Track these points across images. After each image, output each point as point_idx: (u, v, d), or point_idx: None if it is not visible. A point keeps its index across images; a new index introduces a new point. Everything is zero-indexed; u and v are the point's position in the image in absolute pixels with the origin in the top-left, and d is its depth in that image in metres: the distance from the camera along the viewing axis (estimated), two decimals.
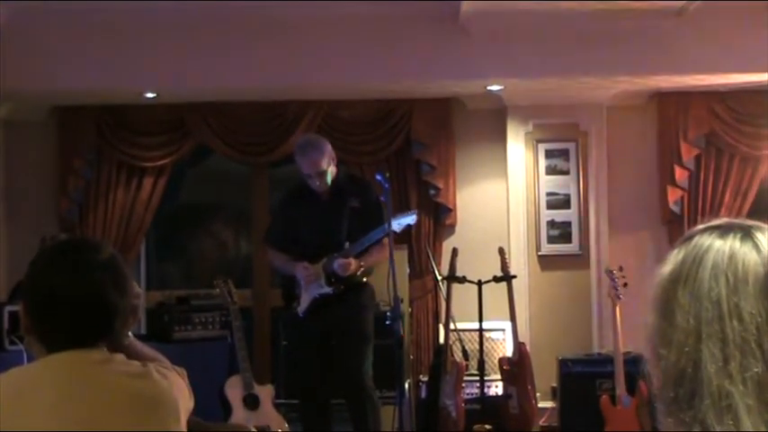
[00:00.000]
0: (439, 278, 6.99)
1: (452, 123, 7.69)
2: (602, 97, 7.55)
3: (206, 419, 3.28)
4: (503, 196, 7.64)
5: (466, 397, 6.71)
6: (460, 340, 6.89)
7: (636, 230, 7.69)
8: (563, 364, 6.73)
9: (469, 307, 6.70)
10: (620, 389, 6.27)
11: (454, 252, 6.79)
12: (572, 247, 7.63)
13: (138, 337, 2.74)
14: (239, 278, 7.44)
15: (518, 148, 7.63)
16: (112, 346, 2.29)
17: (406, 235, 7.05)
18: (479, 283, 6.67)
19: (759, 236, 1.28)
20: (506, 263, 6.79)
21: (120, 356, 2.27)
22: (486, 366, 6.78)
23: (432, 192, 7.59)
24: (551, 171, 7.66)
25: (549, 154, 7.66)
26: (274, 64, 6.97)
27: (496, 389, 6.91)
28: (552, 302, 7.56)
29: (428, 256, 7.33)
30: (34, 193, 7.69)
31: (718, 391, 1.20)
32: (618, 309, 6.34)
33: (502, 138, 7.64)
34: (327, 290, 5.90)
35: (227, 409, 6.43)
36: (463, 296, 6.76)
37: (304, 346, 6.06)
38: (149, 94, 7.33)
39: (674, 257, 1.30)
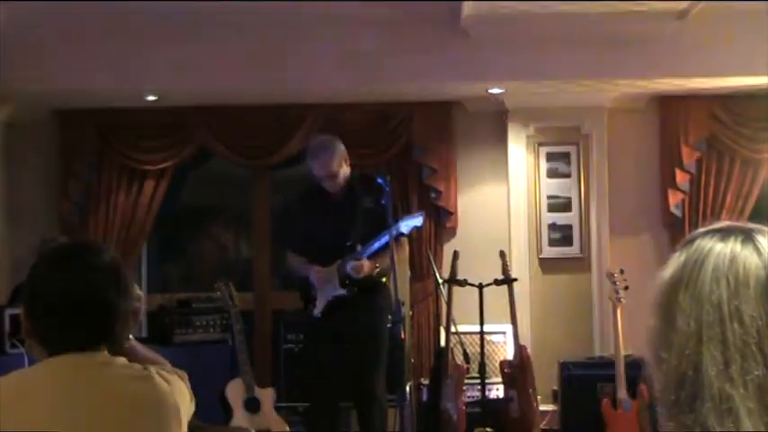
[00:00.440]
0: (440, 281, 6.98)
1: (453, 126, 7.69)
2: (603, 100, 7.55)
3: (207, 422, 3.28)
4: (504, 199, 7.64)
5: (467, 400, 6.71)
6: (461, 343, 6.89)
7: (637, 233, 7.69)
8: (564, 367, 6.73)
9: (470, 310, 6.70)
10: (622, 392, 6.27)
11: (455, 255, 6.78)
12: (573, 250, 7.63)
13: (139, 339, 2.74)
14: (240, 281, 7.45)
15: (519, 151, 7.63)
16: (113, 349, 2.29)
17: (407, 238, 7.04)
18: (480, 286, 6.66)
19: (760, 239, 1.27)
20: (507, 266, 6.79)
21: (121, 359, 2.27)
22: (487, 369, 6.76)
23: (433, 195, 7.59)
24: (552, 174, 7.66)
25: (550, 157, 7.66)
26: (275, 67, 6.97)
27: (497, 392, 6.90)
28: (553, 305, 7.56)
29: (429, 260, 7.32)
30: (35, 195, 7.69)
31: (719, 395, 1.20)
32: (619, 312, 6.34)
33: (503, 141, 7.64)
34: (341, 292, 5.88)
35: (227, 411, 6.42)
36: (464, 299, 6.75)
37: (317, 348, 6.03)
38: (150, 97, 7.33)
39: (676, 260, 1.30)
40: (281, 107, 7.63)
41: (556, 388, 6.94)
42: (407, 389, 6.55)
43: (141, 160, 7.61)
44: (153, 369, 2.28)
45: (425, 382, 7.06)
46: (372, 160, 7.51)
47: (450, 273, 6.72)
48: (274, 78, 7.03)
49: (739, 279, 1.24)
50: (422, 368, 7.38)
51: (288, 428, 6.53)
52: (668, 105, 7.63)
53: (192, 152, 7.74)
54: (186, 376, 2.39)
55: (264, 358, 7.62)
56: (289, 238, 6.31)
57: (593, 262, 7.57)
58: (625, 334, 6.25)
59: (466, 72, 7.00)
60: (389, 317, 5.92)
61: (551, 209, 7.64)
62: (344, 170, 5.89)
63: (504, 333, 7.22)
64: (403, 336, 5.64)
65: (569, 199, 7.64)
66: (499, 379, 6.83)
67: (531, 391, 6.60)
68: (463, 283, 6.66)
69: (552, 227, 7.64)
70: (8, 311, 6.26)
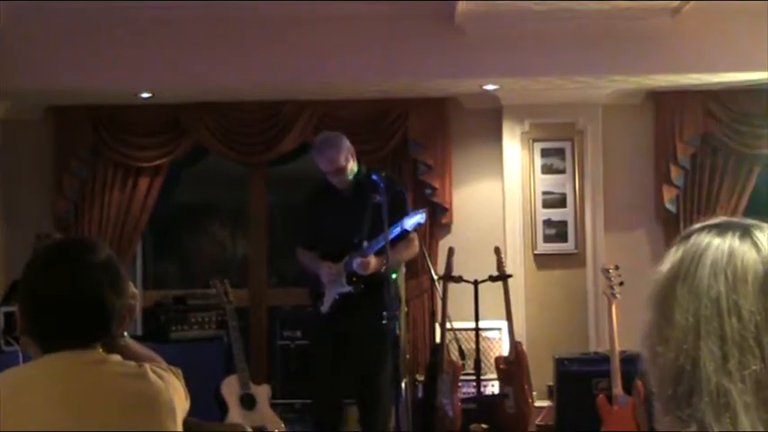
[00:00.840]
0: (435, 278, 6.98)
1: (448, 123, 7.69)
2: (597, 96, 7.56)
3: (202, 419, 3.28)
4: (499, 195, 7.65)
5: (462, 396, 6.72)
6: (457, 340, 6.88)
7: (632, 229, 7.70)
8: (559, 363, 6.74)
9: (466, 306, 6.70)
10: (617, 388, 6.27)
11: (450, 251, 6.78)
12: (568, 246, 7.63)
13: (135, 337, 2.75)
14: (236, 278, 7.44)
15: (514, 147, 7.63)
16: (108, 347, 2.29)
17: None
18: (475, 283, 6.67)
19: (758, 234, 1.28)
20: (502, 262, 6.79)
21: (115, 357, 2.27)
22: (483, 366, 6.78)
23: (428, 191, 7.59)
24: (547, 170, 7.66)
25: (544, 153, 7.67)
26: (270, 63, 6.97)
27: (493, 388, 6.91)
28: (548, 301, 7.57)
29: (424, 256, 7.31)
30: (30, 192, 7.68)
31: (717, 389, 1.20)
32: (614, 307, 6.34)
33: (498, 137, 7.64)
34: (348, 289, 5.86)
35: (223, 408, 6.43)
36: (459, 295, 6.76)
37: (322, 344, 6.01)
38: (145, 94, 7.32)
39: (673, 255, 1.31)
40: (277, 104, 7.62)
41: (551, 384, 6.94)
42: (403, 385, 6.56)
43: (136, 157, 7.60)
44: (147, 366, 2.28)
45: (421, 378, 7.06)
46: (367, 157, 7.48)
47: (446, 269, 6.72)
48: (269, 75, 7.03)
49: (737, 274, 1.25)
50: (417, 365, 7.39)
51: (283, 425, 6.54)
52: (663, 101, 7.64)
53: (187, 149, 7.73)
54: (181, 373, 2.39)
55: (260, 355, 7.62)
56: (299, 234, 6.30)
57: (587, 258, 7.58)
58: (620, 329, 6.26)
59: (461, 69, 7.00)
60: (385, 313, 5.90)
61: (546, 205, 7.65)
62: (351, 165, 5.89)
63: (499, 329, 7.23)
64: (398, 332, 5.63)
65: (564, 195, 7.65)
66: (494, 375, 6.84)
67: (526, 387, 6.61)
68: (458, 279, 6.67)
69: (547, 223, 7.64)
70: (3, 309, 6.26)
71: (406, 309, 7.33)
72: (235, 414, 6.39)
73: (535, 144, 7.66)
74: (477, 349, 6.69)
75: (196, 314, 7.10)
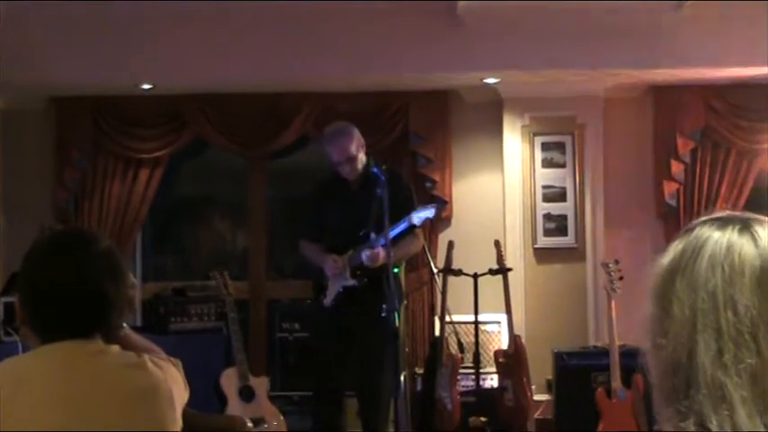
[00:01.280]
0: (435, 271, 6.98)
1: (449, 116, 7.69)
2: (598, 90, 7.55)
3: (201, 411, 3.28)
4: (499, 189, 7.65)
5: (461, 389, 6.72)
6: (456, 333, 6.89)
7: (632, 224, 7.69)
8: (558, 357, 6.75)
9: (465, 300, 6.70)
10: (616, 382, 6.28)
11: (450, 245, 6.78)
12: (568, 240, 7.63)
13: (134, 328, 2.74)
14: (235, 270, 7.45)
15: (514, 140, 7.63)
16: (108, 338, 2.29)
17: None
18: (475, 276, 6.67)
19: (758, 229, 1.28)
20: (502, 256, 6.79)
21: (115, 347, 2.27)
22: (482, 359, 6.78)
23: (428, 184, 7.59)
24: (547, 164, 7.66)
25: (545, 147, 7.66)
26: (271, 56, 6.96)
27: (492, 381, 6.91)
28: (548, 295, 7.57)
29: (424, 249, 7.31)
30: (30, 183, 7.68)
31: (713, 382, 1.21)
32: (613, 302, 6.35)
33: (498, 130, 7.64)
34: (352, 282, 5.84)
35: (222, 400, 6.43)
36: (459, 289, 6.76)
37: (324, 338, 6.00)
38: (146, 86, 7.32)
39: (674, 248, 1.31)
40: (277, 96, 7.62)
41: (550, 377, 6.95)
42: (402, 379, 6.56)
43: (137, 149, 7.60)
44: (147, 357, 2.28)
45: (420, 371, 7.07)
46: (368, 149, 7.48)
47: (445, 262, 6.72)
48: (270, 67, 7.03)
49: (734, 268, 1.25)
50: (416, 358, 7.39)
51: (282, 417, 6.54)
52: (664, 95, 7.63)
53: (187, 141, 7.73)
54: (180, 364, 2.40)
55: (259, 347, 7.62)
56: (303, 225, 6.28)
57: (587, 252, 7.58)
58: (619, 324, 6.26)
59: (462, 62, 6.99)
60: (384, 306, 5.89)
61: (546, 199, 7.64)
62: (361, 156, 5.87)
63: (498, 323, 7.23)
64: (398, 325, 5.62)
65: (564, 189, 7.64)
66: (494, 368, 6.84)
67: (525, 380, 6.61)
68: (458, 272, 6.67)
69: (547, 217, 7.64)
70: (3, 299, 6.27)
71: (405, 302, 7.34)
72: (234, 406, 6.39)
73: (535, 138, 7.66)
74: (477, 342, 6.69)
75: (196, 306, 7.10)
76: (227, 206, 8.59)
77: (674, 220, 7.54)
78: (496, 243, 6.85)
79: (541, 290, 7.57)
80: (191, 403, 2.42)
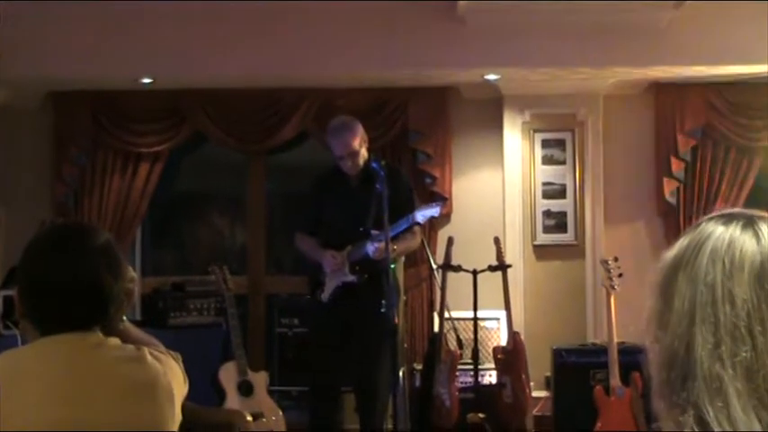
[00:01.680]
0: (434, 267, 6.98)
1: (449, 113, 7.69)
2: (598, 87, 7.55)
3: (200, 405, 3.28)
4: (499, 186, 7.64)
5: (460, 386, 6.72)
6: (455, 329, 6.89)
7: (631, 221, 7.70)
8: (557, 353, 6.75)
9: (464, 296, 6.71)
10: (614, 379, 6.28)
11: (450, 241, 6.78)
12: (567, 237, 7.63)
13: (134, 322, 2.74)
14: (235, 265, 7.45)
15: (514, 137, 7.62)
16: (107, 331, 2.29)
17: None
18: (474, 273, 6.67)
19: (762, 226, 1.30)
20: (501, 252, 6.79)
21: (114, 340, 2.27)
22: (481, 355, 6.78)
23: (428, 181, 7.58)
24: (547, 161, 7.65)
25: (545, 144, 7.66)
26: (271, 51, 6.95)
27: (490, 378, 6.91)
28: (547, 292, 7.57)
29: (423, 245, 7.31)
30: (29, 178, 7.68)
31: (709, 374, 1.22)
32: (612, 299, 6.35)
33: (498, 127, 7.64)
34: (351, 278, 5.84)
35: (221, 395, 6.44)
36: (458, 285, 6.76)
37: (324, 334, 5.99)
38: (145, 80, 7.31)
39: (680, 243, 1.34)
40: (277, 92, 7.61)
41: (549, 374, 6.95)
42: (401, 374, 6.56)
43: (136, 143, 7.59)
44: (146, 350, 2.28)
45: (419, 367, 7.07)
46: (368, 145, 7.48)
47: (445, 259, 6.72)
48: (270, 63, 7.02)
49: (735, 263, 1.26)
50: (415, 354, 7.39)
51: (280, 412, 6.55)
52: (664, 93, 7.63)
53: (186, 136, 7.72)
54: (180, 357, 2.40)
55: (258, 342, 7.63)
56: (300, 219, 6.26)
57: (587, 249, 7.58)
58: (618, 321, 6.26)
59: (462, 58, 6.99)
60: (383, 302, 5.89)
61: (546, 195, 7.64)
62: (364, 152, 5.86)
63: (497, 319, 7.23)
64: (396, 321, 5.62)
65: (564, 186, 7.64)
66: (492, 365, 6.84)
67: (524, 377, 6.61)
68: (457, 269, 6.67)
69: (547, 213, 7.64)
70: (2, 293, 6.27)
71: (404, 297, 7.34)
72: (232, 400, 6.40)
73: (536, 135, 7.65)
74: (476, 339, 6.69)
75: (195, 301, 7.10)
76: (226, 201, 8.59)
77: (673, 218, 7.54)
78: (496, 240, 6.85)
79: (541, 287, 7.57)
80: (189, 397, 2.43)
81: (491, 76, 7.30)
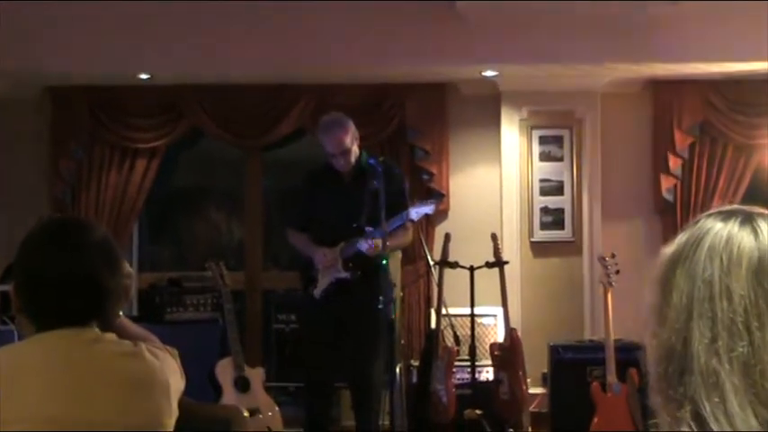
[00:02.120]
0: (431, 263, 6.99)
1: (446, 109, 7.68)
2: (596, 84, 7.55)
3: (197, 401, 3.28)
4: (496, 182, 7.64)
5: (457, 382, 6.72)
6: (452, 326, 6.90)
7: (629, 218, 7.70)
8: (554, 350, 6.75)
9: (461, 292, 6.70)
10: (611, 376, 6.28)
11: (447, 237, 6.78)
12: (565, 234, 7.63)
13: (130, 318, 2.74)
14: (232, 261, 7.44)
15: (512, 134, 7.62)
16: (103, 326, 2.28)
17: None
18: (471, 269, 6.67)
19: (760, 222, 1.30)
20: (499, 249, 6.79)
21: (111, 335, 2.27)
22: (478, 352, 6.78)
23: (425, 177, 7.58)
24: (545, 157, 7.65)
25: (542, 140, 7.66)
26: (268, 47, 6.95)
27: (487, 374, 6.91)
28: (544, 289, 7.57)
29: (420, 242, 7.32)
30: (26, 173, 7.66)
31: (707, 369, 1.23)
32: (610, 296, 6.35)
33: (496, 124, 7.64)
34: (344, 275, 5.85)
35: (217, 391, 6.43)
36: (455, 282, 6.76)
37: (317, 330, 5.99)
38: (143, 76, 7.30)
39: (679, 239, 1.35)
40: (274, 88, 7.61)
41: (545, 371, 6.95)
42: (397, 370, 6.56)
43: (133, 138, 7.59)
44: (143, 345, 2.27)
45: (415, 363, 7.07)
46: (365, 142, 7.46)
47: (442, 255, 6.72)
48: (267, 59, 7.01)
49: (732, 258, 1.27)
50: (412, 350, 7.40)
51: (277, 408, 6.54)
52: (662, 90, 7.63)
53: (183, 131, 7.71)
54: (177, 353, 2.39)
55: (254, 338, 7.62)
56: (291, 215, 6.28)
57: (584, 246, 7.58)
58: (615, 318, 6.26)
59: (460, 55, 6.98)
60: (381, 298, 5.90)
61: (543, 192, 7.64)
62: (355, 149, 5.87)
63: (494, 316, 7.23)
64: (393, 317, 5.62)
65: (561, 183, 7.64)
66: (489, 361, 6.84)
67: (520, 373, 6.61)
68: (454, 265, 6.67)
69: (544, 210, 7.64)
70: None
71: (401, 294, 7.34)
72: (229, 396, 6.39)
73: (533, 131, 7.65)
74: (473, 335, 6.70)
75: (191, 296, 7.10)
76: (222, 197, 8.59)
77: (671, 215, 7.54)
78: (493, 236, 6.85)
79: (538, 283, 7.58)
80: (186, 393, 2.42)
81: (489, 73, 7.30)
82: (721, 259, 1.27)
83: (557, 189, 7.64)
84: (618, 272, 6.39)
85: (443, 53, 6.99)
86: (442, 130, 7.62)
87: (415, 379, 6.98)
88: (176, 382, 2.32)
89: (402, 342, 7.25)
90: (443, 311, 6.72)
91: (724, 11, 6.77)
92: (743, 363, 1.22)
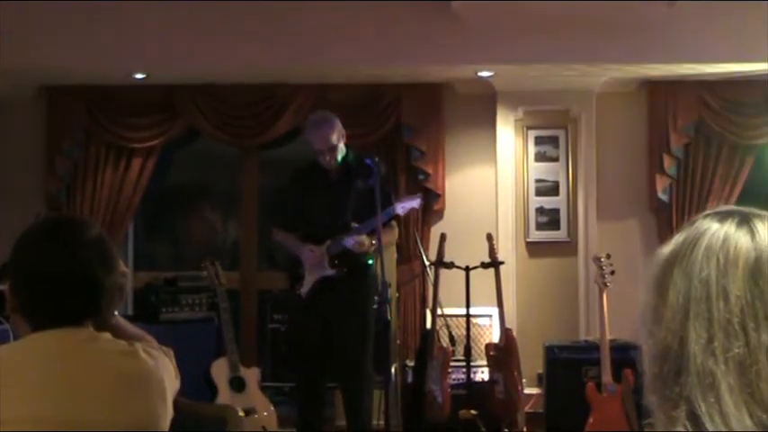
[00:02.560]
0: (427, 263, 6.99)
1: (442, 109, 7.68)
2: (592, 84, 7.56)
3: (192, 400, 3.28)
4: (492, 182, 7.65)
5: (452, 382, 6.72)
6: (447, 326, 6.90)
7: (624, 218, 7.70)
8: (549, 350, 6.76)
9: (457, 292, 6.70)
10: (606, 376, 6.28)
11: (442, 237, 6.78)
12: (560, 234, 7.64)
13: (126, 317, 2.73)
14: (227, 260, 7.44)
15: (507, 134, 7.63)
16: (99, 325, 2.28)
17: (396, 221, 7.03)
18: (467, 269, 6.67)
19: (757, 223, 1.31)
20: (494, 249, 6.78)
21: (106, 335, 2.27)
22: (473, 352, 6.78)
23: (421, 177, 7.58)
24: (540, 158, 7.66)
25: (538, 140, 7.67)
26: (265, 46, 6.95)
27: (483, 374, 6.91)
28: (540, 289, 7.58)
29: (416, 242, 7.32)
30: (22, 172, 7.65)
31: (703, 369, 1.23)
32: (605, 296, 6.35)
33: (491, 124, 7.64)
34: (330, 272, 5.87)
35: (213, 390, 6.43)
36: (451, 282, 6.76)
37: (305, 328, 6.01)
38: (139, 75, 7.30)
39: (676, 239, 1.35)
40: (270, 87, 7.60)
41: (541, 371, 6.96)
42: (393, 370, 6.56)
43: (129, 138, 7.58)
44: (138, 345, 2.27)
45: (411, 363, 7.07)
46: (361, 141, 7.48)
47: (437, 255, 6.71)
48: (263, 58, 7.01)
49: (729, 259, 1.27)
50: (407, 350, 7.39)
51: (272, 408, 6.54)
52: (657, 90, 7.64)
53: (179, 130, 7.71)
54: (172, 353, 2.39)
55: (250, 338, 7.62)
56: (275, 214, 6.31)
57: (579, 246, 7.59)
58: (610, 318, 6.26)
59: (456, 54, 6.99)
60: (376, 298, 5.92)
61: (539, 192, 7.65)
62: (342, 146, 5.92)
63: (490, 316, 7.24)
64: (389, 317, 5.63)
65: (557, 183, 7.65)
66: (484, 362, 6.84)
67: (516, 373, 6.61)
68: (450, 265, 6.67)
69: (540, 210, 7.65)
70: None
71: (397, 294, 7.35)
72: (224, 396, 6.39)
73: (529, 131, 7.66)
74: (468, 335, 6.69)
75: (187, 296, 7.11)
76: (219, 196, 8.58)
77: (666, 215, 7.55)
78: (489, 236, 6.84)
79: (533, 283, 7.58)
80: (181, 393, 2.42)
81: (485, 73, 7.30)
82: (718, 259, 1.27)
83: (552, 189, 7.65)
84: (613, 272, 6.39)
85: (439, 53, 6.99)
86: (437, 130, 7.62)
87: (410, 379, 6.98)
88: (171, 381, 2.32)
89: (397, 342, 7.26)
90: (439, 311, 6.72)
91: (720, 11, 6.78)
92: (739, 363, 1.22)
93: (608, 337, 6.28)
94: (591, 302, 7.26)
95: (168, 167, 8.14)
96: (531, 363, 6.93)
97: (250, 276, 7.90)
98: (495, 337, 7.10)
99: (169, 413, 2.28)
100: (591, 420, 6.26)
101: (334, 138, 5.87)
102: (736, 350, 1.22)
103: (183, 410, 2.43)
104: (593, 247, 7.42)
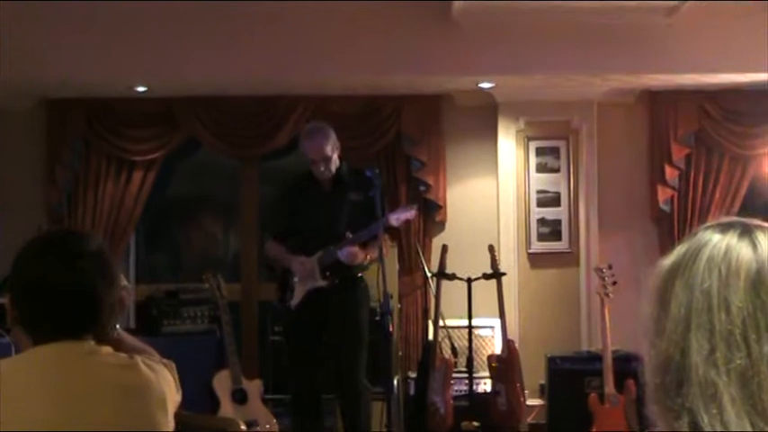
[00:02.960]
0: (428, 275, 6.98)
1: (443, 120, 7.68)
2: (593, 95, 7.56)
3: (194, 413, 3.27)
4: (493, 193, 7.64)
5: (454, 394, 6.71)
6: (449, 337, 6.89)
7: (626, 229, 7.69)
8: (552, 361, 6.74)
9: (459, 304, 6.70)
10: (609, 387, 6.28)
11: (444, 249, 6.78)
12: (562, 245, 7.63)
13: (127, 330, 2.73)
14: (228, 272, 7.43)
15: (509, 145, 7.63)
16: (100, 339, 2.28)
17: (396, 231, 7.03)
18: (469, 280, 6.67)
19: (759, 234, 1.31)
20: (496, 260, 6.78)
21: (106, 348, 2.26)
22: (475, 363, 6.78)
23: (422, 188, 7.58)
24: (542, 169, 7.66)
25: (539, 151, 7.67)
26: (265, 58, 6.95)
27: (485, 386, 6.91)
28: (541, 300, 7.57)
29: (418, 253, 7.32)
30: (22, 184, 7.64)
31: (705, 380, 1.23)
32: (607, 307, 6.35)
33: (492, 135, 7.64)
34: (321, 283, 5.88)
35: (215, 403, 6.42)
36: (452, 293, 6.76)
37: (297, 340, 6.03)
38: (140, 88, 7.30)
39: (678, 250, 1.36)
40: (270, 98, 7.61)
41: (543, 382, 6.94)
42: (395, 382, 6.55)
43: (130, 150, 7.58)
44: (139, 358, 2.27)
45: (413, 375, 7.06)
46: (361, 152, 7.49)
47: (439, 266, 6.71)
48: (263, 69, 7.01)
49: (731, 270, 1.27)
50: (409, 361, 7.38)
51: (274, 420, 6.53)
52: (658, 100, 7.64)
53: (180, 142, 7.71)
54: (173, 366, 2.39)
55: (251, 350, 7.61)
56: (271, 225, 6.32)
57: (581, 257, 7.58)
58: (613, 329, 6.26)
59: (456, 65, 6.99)
60: (367, 310, 5.96)
61: (540, 203, 7.65)
62: (335, 158, 5.93)
63: (492, 327, 7.23)
64: (391, 329, 5.63)
65: (558, 194, 7.65)
66: (487, 373, 6.83)
67: (518, 385, 6.60)
68: (452, 276, 6.66)
69: (541, 221, 7.65)
70: None
71: (399, 305, 7.35)
72: (226, 409, 6.38)
73: (530, 142, 7.66)
74: (470, 347, 6.69)
75: (188, 308, 7.10)
76: (219, 208, 8.58)
77: (667, 226, 7.54)
78: (491, 248, 6.84)
79: (535, 294, 7.57)
80: (183, 405, 2.42)
81: (485, 84, 7.31)
82: (720, 271, 1.27)
83: (554, 200, 7.64)
84: (615, 283, 6.40)
85: (440, 64, 6.99)
86: (438, 141, 7.61)
87: (412, 390, 6.97)
88: (172, 394, 2.31)
89: (399, 353, 7.25)
90: (441, 323, 6.72)
91: (720, 22, 6.78)
92: (740, 374, 1.22)
93: (610, 347, 6.28)
94: (593, 313, 7.25)
95: (169, 179, 8.14)
96: (534, 374, 6.92)
97: (251, 288, 7.89)
98: (497, 348, 7.09)
99: (170, 426, 2.28)
100: (593, 431, 6.26)
101: (329, 148, 5.88)
102: (738, 361, 1.22)
103: (184, 423, 2.43)
104: (594, 257, 7.42)
